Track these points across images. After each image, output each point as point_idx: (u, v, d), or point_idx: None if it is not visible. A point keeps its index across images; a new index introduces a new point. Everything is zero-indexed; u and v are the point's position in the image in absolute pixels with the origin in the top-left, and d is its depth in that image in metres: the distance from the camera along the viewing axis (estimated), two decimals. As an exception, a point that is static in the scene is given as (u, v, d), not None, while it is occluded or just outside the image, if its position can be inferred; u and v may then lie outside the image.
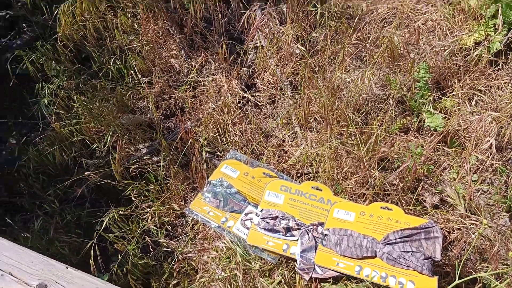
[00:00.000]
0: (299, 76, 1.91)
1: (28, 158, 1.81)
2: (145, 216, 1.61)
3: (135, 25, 2.01)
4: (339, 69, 1.75)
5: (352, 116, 1.60)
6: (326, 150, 1.52)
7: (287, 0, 1.93)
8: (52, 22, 2.21)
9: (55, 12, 1.97)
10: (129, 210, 1.62)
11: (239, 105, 1.97)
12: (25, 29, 2.26)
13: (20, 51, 2.18)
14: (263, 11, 2.09)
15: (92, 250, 1.40)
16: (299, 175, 1.70)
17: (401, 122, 1.69)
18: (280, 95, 1.91)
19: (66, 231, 1.72)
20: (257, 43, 2.04)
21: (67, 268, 0.85)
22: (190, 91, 1.98)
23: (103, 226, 1.46)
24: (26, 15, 2.20)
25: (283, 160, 1.75)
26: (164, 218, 1.65)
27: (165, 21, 2.08)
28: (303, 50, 1.81)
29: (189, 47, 2.14)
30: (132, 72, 1.91)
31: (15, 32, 2.24)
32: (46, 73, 2.01)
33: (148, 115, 2.03)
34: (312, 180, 1.60)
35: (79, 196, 1.77)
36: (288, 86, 1.91)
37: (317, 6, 1.87)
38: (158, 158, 1.94)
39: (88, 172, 1.67)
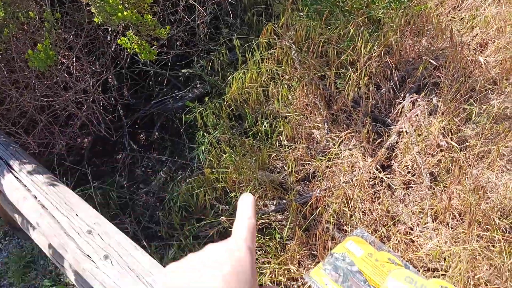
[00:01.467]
0: (440, 168, 1.86)
1: (178, 194, 2.09)
2: (263, 271, 1.70)
3: (289, 96, 2.24)
4: (488, 169, 1.66)
5: (498, 221, 1.49)
6: (463, 251, 1.43)
7: (441, 93, 1.94)
8: (220, 83, 2.61)
9: (228, 78, 2.33)
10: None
11: (370, 183, 1.99)
12: (197, 86, 2.70)
13: (189, 103, 2.60)
14: (412, 98, 2.14)
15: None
16: (425, 269, 1.61)
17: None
18: (417, 182, 1.88)
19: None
20: (401, 128, 2.07)
21: None
22: (325, 161, 2.09)
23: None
24: (202, 75, 2.63)
25: (411, 250, 1.68)
26: (280, 278, 1.71)
27: (315, 96, 2.28)
28: (451, 144, 1.78)
29: (332, 122, 2.27)
30: (280, 137, 2.11)
31: (190, 87, 2.70)
32: (206, 125, 2.35)
33: (282, 176, 2.18)
34: (440, 278, 1.50)
35: (208, 236, 1.96)
36: (428, 175, 1.87)
37: (475, 104, 1.84)
38: (282, 217, 2.04)
39: (223, 218, 1.85)
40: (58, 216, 1.29)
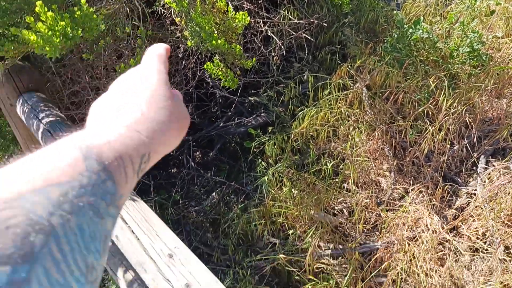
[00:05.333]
0: (516, 239, 1.77)
1: (238, 222, 2.08)
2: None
3: (357, 139, 2.22)
4: None
5: None
6: None
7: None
8: (284, 115, 2.62)
9: (294, 111, 2.34)
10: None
11: (435, 243, 1.92)
12: (262, 114, 2.73)
13: (252, 130, 2.62)
14: (487, 161, 2.07)
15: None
16: None
17: None
18: (486, 251, 1.79)
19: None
20: (474, 190, 2.00)
21: None
22: (390, 212, 2.03)
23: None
24: (268, 105, 2.66)
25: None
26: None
27: (384, 143, 2.24)
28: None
29: (398, 172, 2.22)
30: (349, 180, 2.07)
31: (255, 115, 2.73)
32: (266, 154, 2.35)
33: (340, 219, 2.14)
34: None
35: (264, 270, 1.93)
36: (501, 246, 1.78)
37: None
38: (336, 262, 1.99)
39: (282, 256, 1.82)
40: (139, 234, 1.30)
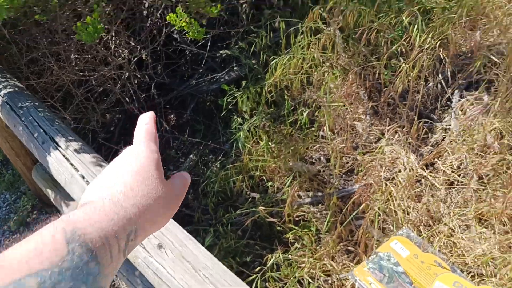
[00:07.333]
0: (494, 171, 1.79)
1: (216, 180, 2.06)
2: (301, 265, 1.67)
3: (331, 85, 2.17)
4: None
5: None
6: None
7: (497, 92, 1.85)
8: (258, 67, 2.54)
9: (267, 62, 2.26)
10: (286, 255, 1.70)
11: (413, 181, 1.93)
12: (234, 68, 2.64)
13: (225, 85, 2.54)
14: (461, 95, 2.05)
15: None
16: (472, 274, 1.56)
17: None
18: (462, 183, 1.81)
19: (223, 256, 1.87)
20: (448, 126, 1.99)
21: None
22: (366, 155, 2.03)
23: (268, 265, 1.55)
24: (240, 58, 2.57)
25: (455, 253, 1.63)
26: (315, 272, 1.68)
27: (358, 86, 2.20)
28: (505, 148, 1.70)
29: (374, 114, 2.20)
30: (324, 127, 2.05)
31: (227, 70, 2.64)
32: (241, 109, 2.29)
33: (318, 167, 2.13)
34: (490, 285, 1.45)
35: (244, 225, 1.93)
36: (474, 177, 1.80)
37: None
38: (316, 209, 2.01)
39: (261, 208, 1.82)
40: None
